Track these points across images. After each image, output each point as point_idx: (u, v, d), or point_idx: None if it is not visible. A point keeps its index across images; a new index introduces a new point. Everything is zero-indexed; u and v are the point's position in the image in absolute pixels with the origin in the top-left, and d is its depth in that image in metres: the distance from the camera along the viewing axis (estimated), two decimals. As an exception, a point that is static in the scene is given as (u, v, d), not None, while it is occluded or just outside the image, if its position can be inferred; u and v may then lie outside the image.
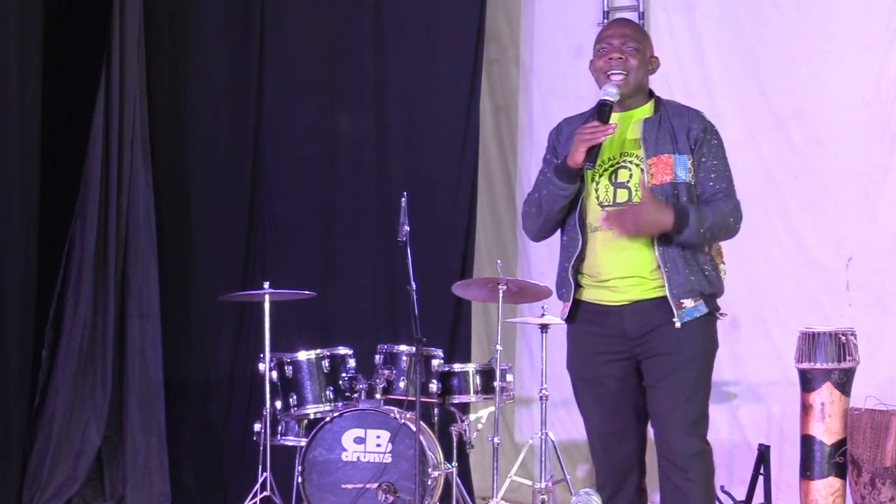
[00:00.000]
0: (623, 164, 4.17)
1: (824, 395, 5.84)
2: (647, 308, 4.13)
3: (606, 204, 4.15)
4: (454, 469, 6.43)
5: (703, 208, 4.11)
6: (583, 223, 4.18)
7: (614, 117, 4.19)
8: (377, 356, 6.46)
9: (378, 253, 7.41)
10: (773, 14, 7.32)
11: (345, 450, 6.26)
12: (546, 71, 7.86)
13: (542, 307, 6.70)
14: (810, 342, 5.86)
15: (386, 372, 6.38)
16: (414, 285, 6.03)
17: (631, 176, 4.15)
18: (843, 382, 5.85)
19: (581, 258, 4.20)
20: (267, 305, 6.45)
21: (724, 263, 4.27)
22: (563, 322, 4.34)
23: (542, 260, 7.75)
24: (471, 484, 7.14)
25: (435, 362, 6.47)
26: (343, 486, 6.24)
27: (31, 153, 6.69)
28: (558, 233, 4.34)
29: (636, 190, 4.12)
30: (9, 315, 6.54)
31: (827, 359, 5.82)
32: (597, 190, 4.17)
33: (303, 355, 6.44)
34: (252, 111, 7.53)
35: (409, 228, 6.08)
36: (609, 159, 4.18)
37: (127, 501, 7.01)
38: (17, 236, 6.60)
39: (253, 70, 7.53)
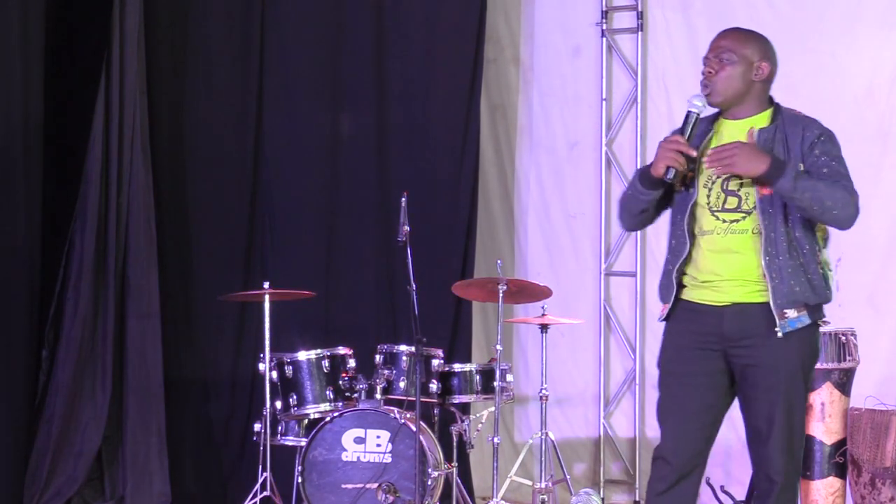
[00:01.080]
0: None
1: (824, 395, 5.86)
2: (749, 312, 4.13)
3: (716, 209, 4.17)
4: (454, 469, 6.44)
5: (809, 175, 4.08)
6: (691, 227, 4.20)
7: (726, 125, 4.21)
8: (377, 356, 6.46)
9: (378, 253, 7.42)
10: (768, 13, 7.33)
11: (345, 450, 6.26)
12: (545, 70, 7.87)
13: (542, 307, 6.71)
14: (810, 342, 5.86)
15: (386, 372, 6.39)
16: (414, 285, 6.04)
17: (742, 185, 4.15)
18: (843, 382, 5.87)
19: (687, 261, 4.21)
20: (267, 305, 6.44)
21: (832, 271, 4.22)
22: (660, 321, 4.32)
23: (538, 260, 7.77)
24: (471, 484, 7.15)
25: (435, 362, 6.48)
26: (343, 486, 6.24)
27: (35, 153, 6.66)
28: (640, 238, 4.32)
29: (746, 198, 4.14)
30: (11, 315, 6.53)
31: (827, 359, 5.84)
32: (709, 196, 4.18)
33: (303, 355, 6.43)
34: (252, 111, 7.50)
35: (408, 228, 6.09)
36: None
37: (127, 501, 6.97)
38: (21, 236, 6.58)
39: (253, 70, 7.52)
